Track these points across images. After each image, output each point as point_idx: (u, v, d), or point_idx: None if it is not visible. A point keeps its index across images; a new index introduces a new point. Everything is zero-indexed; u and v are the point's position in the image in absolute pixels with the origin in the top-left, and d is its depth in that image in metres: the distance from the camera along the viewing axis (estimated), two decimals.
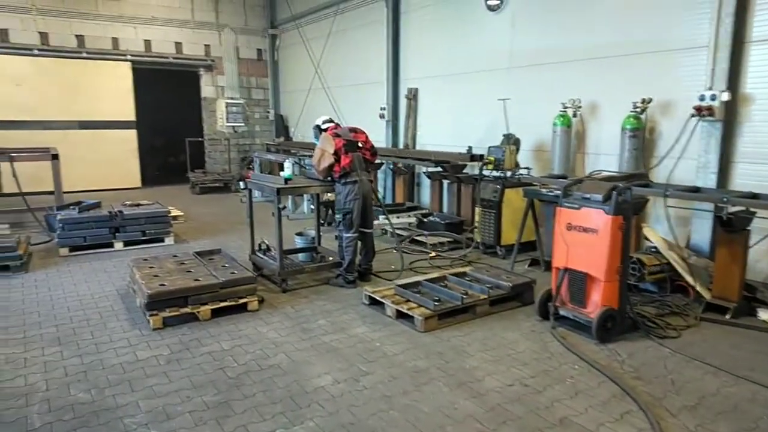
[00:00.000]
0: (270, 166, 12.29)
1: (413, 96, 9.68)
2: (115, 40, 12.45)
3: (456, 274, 5.21)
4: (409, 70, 9.82)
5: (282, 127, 14.53)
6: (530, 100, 7.24)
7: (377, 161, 7.29)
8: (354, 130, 5.70)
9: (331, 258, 5.83)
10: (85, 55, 12.13)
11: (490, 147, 6.82)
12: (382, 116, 10.20)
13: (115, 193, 11.28)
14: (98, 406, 3.20)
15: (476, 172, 7.41)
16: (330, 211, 8.10)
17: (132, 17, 12.57)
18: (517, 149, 6.83)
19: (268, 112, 14.94)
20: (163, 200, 8.29)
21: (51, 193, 8.04)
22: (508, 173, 6.71)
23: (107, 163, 12.26)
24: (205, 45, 13.64)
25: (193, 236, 7.78)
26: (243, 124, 13.34)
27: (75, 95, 11.95)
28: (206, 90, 13.96)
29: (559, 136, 6.51)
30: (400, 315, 4.53)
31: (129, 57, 12.58)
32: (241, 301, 4.75)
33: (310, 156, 8.78)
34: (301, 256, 6.13)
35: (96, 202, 7.73)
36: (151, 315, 4.36)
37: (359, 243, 5.60)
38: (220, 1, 13.71)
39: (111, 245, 6.95)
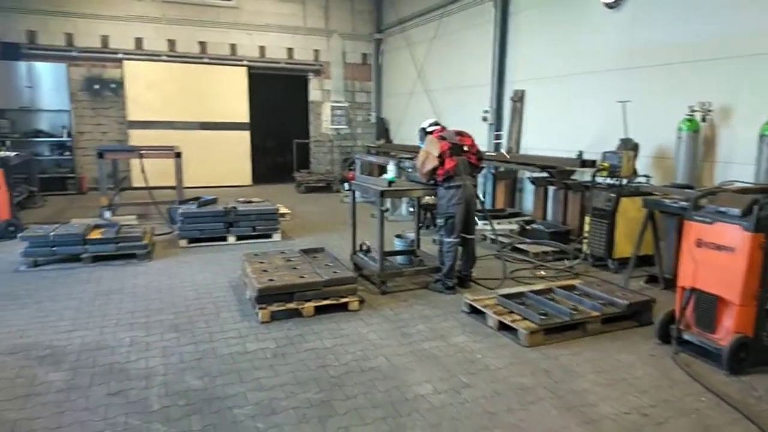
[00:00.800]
0: (369, 167, 12.48)
1: (519, 98, 9.36)
2: (233, 46, 13.28)
3: (564, 287, 4.92)
4: (516, 72, 9.50)
5: (383, 129, 14.72)
6: (650, 103, 6.70)
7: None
8: (460, 134, 5.58)
9: (430, 262, 5.77)
10: (206, 60, 13.06)
11: (605, 152, 6.38)
12: (484, 119, 9.99)
13: (229, 190, 12.00)
14: (210, 394, 3.35)
15: (586, 178, 6.99)
16: (429, 214, 8.03)
17: (248, 24, 13.33)
18: (636, 155, 6.35)
19: (370, 115, 15.20)
20: (271, 198, 8.67)
21: (173, 188, 8.73)
22: (624, 181, 6.25)
23: (223, 162, 13.09)
24: (315, 50, 14.15)
25: (298, 233, 8.06)
26: (346, 127, 13.72)
27: (197, 98, 12.89)
28: (314, 93, 14.47)
29: (684, 142, 5.96)
30: (503, 327, 4.35)
31: (245, 62, 13.37)
32: (343, 300, 4.81)
33: (411, 158, 8.82)
34: (399, 258, 6.11)
35: (213, 198, 8.24)
36: (260, 308, 4.54)
37: (460, 249, 5.48)
38: (330, 7, 14.17)
39: (224, 239, 7.35)
